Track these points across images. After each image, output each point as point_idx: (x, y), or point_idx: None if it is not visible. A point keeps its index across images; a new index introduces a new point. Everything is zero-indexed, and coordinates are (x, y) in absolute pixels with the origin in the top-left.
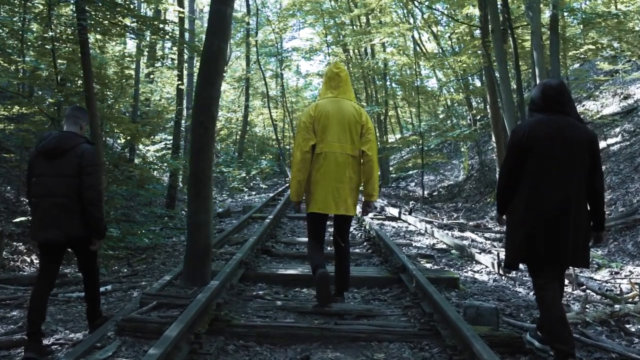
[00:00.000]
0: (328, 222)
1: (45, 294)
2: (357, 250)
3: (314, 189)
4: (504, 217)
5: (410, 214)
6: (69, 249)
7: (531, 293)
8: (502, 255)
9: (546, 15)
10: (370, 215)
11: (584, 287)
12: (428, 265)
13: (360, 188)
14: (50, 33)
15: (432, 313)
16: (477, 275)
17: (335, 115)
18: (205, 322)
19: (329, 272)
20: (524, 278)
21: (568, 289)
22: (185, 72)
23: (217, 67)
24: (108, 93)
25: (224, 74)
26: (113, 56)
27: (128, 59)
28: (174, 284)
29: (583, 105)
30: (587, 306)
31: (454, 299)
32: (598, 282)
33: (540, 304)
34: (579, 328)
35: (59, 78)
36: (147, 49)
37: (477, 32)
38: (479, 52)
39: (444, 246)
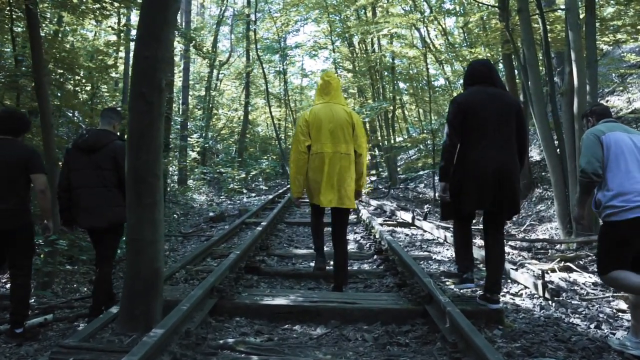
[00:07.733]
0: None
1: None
2: (365, 267)
3: (312, 186)
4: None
5: (424, 219)
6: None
7: (592, 325)
8: (546, 276)
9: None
10: (380, 220)
11: None
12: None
13: None
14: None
15: None
16: (518, 301)
17: (327, 119)
18: None
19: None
20: (572, 302)
21: (622, 307)
22: (181, 66)
23: (165, 14)
24: (84, 81)
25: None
26: (93, 43)
27: (116, 47)
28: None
29: (607, 101)
30: None
31: (500, 341)
32: None
33: (457, 239)
34: None
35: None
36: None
37: (487, 26)
38: (492, 45)
39: None
